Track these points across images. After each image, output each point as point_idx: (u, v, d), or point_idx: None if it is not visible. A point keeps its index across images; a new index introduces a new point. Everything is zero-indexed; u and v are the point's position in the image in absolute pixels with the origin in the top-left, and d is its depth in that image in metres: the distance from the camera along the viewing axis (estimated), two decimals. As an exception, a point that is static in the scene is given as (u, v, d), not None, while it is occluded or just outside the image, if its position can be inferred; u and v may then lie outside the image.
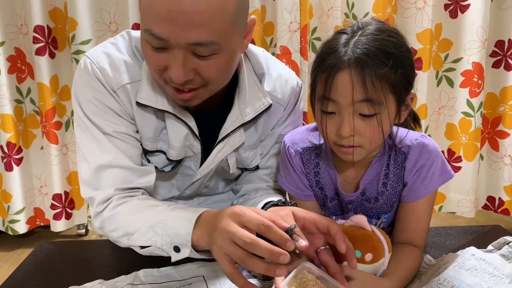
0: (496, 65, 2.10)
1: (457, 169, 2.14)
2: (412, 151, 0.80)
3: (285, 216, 0.68)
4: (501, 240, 0.82)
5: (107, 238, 0.85)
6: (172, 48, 0.71)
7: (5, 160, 2.10)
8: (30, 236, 2.31)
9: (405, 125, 0.86)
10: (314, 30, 2.11)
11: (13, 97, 2.08)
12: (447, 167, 0.82)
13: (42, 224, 2.26)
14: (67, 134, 2.16)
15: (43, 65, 2.00)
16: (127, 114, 0.87)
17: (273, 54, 2.08)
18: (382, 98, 0.70)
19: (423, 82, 2.07)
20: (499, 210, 2.22)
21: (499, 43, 2.08)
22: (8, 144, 2.08)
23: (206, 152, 0.92)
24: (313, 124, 0.88)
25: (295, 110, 0.98)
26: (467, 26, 2.01)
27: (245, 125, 0.90)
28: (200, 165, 0.94)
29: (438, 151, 0.81)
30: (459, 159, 2.16)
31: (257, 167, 0.99)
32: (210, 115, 0.91)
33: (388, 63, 0.69)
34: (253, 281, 0.75)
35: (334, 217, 0.88)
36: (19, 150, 2.13)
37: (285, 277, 0.61)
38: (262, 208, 0.83)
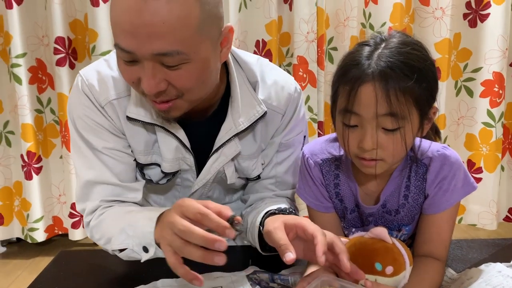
0: (517, 74, 2.08)
1: (477, 180, 2.11)
2: (433, 163, 0.79)
3: (274, 229, 0.68)
4: (526, 254, 0.80)
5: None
6: (141, 61, 0.72)
7: (25, 169, 2.14)
8: (48, 244, 2.33)
9: (425, 137, 0.85)
10: (331, 40, 2.11)
11: (34, 107, 2.12)
12: (469, 178, 0.81)
13: (60, 232, 2.29)
14: (85, 144, 2.19)
15: (63, 76, 2.04)
16: (116, 129, 0.89)
17: (289, 64, 2.09)
18: (406, 112, 0.69)
19: (441, 92, 2.05)
20: (521, 222, 2.17)
21: (520, 53, 2.05)
22: (28, 153, 2.11)
23: (202, 163, 0.92)
24: (333, 135, 0.87)
25: (295, 117, 0.95)
26: (487, 35, 1.99)
27: (240, 135, 0.90)
28: (197, 177, 0.94)
29: (460, 162, 0.80)
30: (479, 170, 2.12)
31: (258, 177, 0.98)
32: (203, 126, 0.90)
33: (413, 77, 0.68)
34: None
35: (354, 229, 0.87)
36: (39, 159, 2.16)
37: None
38: (262, 217, 0.83)
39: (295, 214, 0.89)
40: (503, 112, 2.06)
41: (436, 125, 0.89)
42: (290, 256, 0.62)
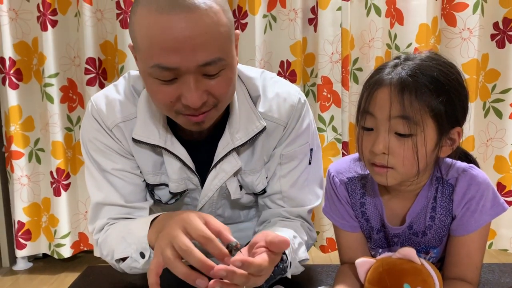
0: (548, 95, 2.03)
1: (508, 203, 2.04)
2: (459, 183, 0.77)
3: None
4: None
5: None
6: (182, 76, 0.73)
7: (54, 185, 2.18)
8: (73, 260, 2.36)
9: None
10: (356, 60, 2.11)
11: (64, 125, 2.17)
12: (499, 199, 0.79)
13: (85, 248, 2.31)
14: (112, 162, 2.23)
15: (93, 95, 2.09)
16: (125, 151, 0.91)
17: (313, 84, 2.10)
18: (419, 119, 0.69)
19: (469, 113, 2.01)
20: (554, 248, 2.09)
21: (551, 73, 2.01)
22: (58, 170, 2.17)
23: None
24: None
25: (297, 128, 0.93)
26: (516, 56, 1.96)
27: (238, 150, 0.90)
28: None
29: (488, 182, 0.78)
30: (510, 193, 2.06)
31: (264, 191, 0.97)
32: (204, 145, 0.91)
33: (431, 87, 0.69)
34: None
35: (380, 250, 0.86)
36: (67, 176, 2.21)
37: None
38: None
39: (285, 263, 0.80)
40: (534, 133, 2.01)
41: (469, 155, 0.87)
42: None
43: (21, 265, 2.33)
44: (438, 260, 0.86)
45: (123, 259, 0.82)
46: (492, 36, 2.01)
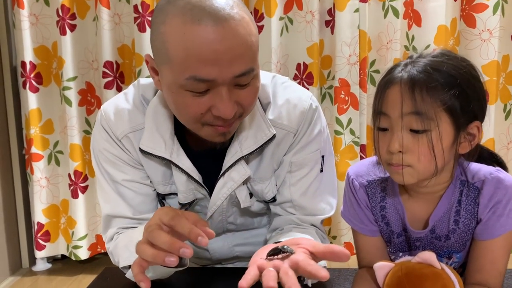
0: None
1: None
2: (486, 186, 0.76)
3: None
4: None
5: None
6: (215, 87, 0.73)
7: (71, 188, 2.21)
8: (91, 262, 2.38)
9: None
10: (373, 62, 2.09)
11: (82, 128, 2.20)
12: None
13: (102, 251, 2.33)
14: (129, 164, 2.25)
15: (110, 98, 2.11)
16: (134, 161, 0.91)
17: (330, 86, 2.08)
18: (432, 114, 0.68)
19: (490, 115, 1.97)
20: None
21: None
22: (75, 172, 2.19)
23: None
24: None
25: (307, 134, 0.91)
26: (538, 57, 1.92)
27: (247, 158, 0.88)
28: None
29: None
30: (532, 198, 2.01)
31: (274, 199, 0.95)
32: (212, 154, 0.89)
33: (441, 81, 0.69)
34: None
35: (401, 254, 0.84)
36: (85, 179, 2.23)
37: None
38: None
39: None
40: (557, 136, 1.96)
41: (498, 157, 0.85)
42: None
43: (40, 266, 2.36)
44: (461, 265, 0.84)
45: (129, 267, 0.81)
46: (513, 37, 1.97)
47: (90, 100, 2.22)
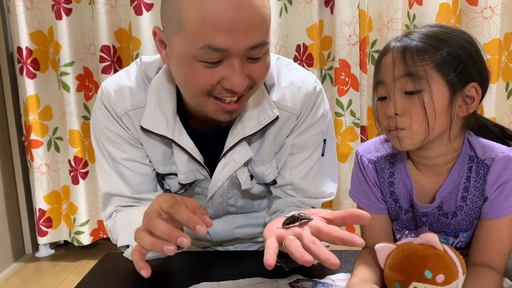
0: None
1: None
2: (495, 164, 0.75)
3: (269, 237, 0.62)
4: None
5: None
6: (228, 58, 0.71)
7: (72, 174, 2.21)
8: (93, 247, 2.40)
9: (502, 143, 0.80)
10: (374, 42, 2.06)
11: (81, 113, 2.19)
12: None
13: (104, 236, 2.35)
14: (129, 149, 2.24)
15: (108, 83, 2.10)
16: (134, 140, 0.90)
17: (331, 68, 2.06)
18: (422, 72, 0.70)
19: (491, 94, 1.96)
20: None
21: None
22: (75, 158, 2.19)
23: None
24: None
25: (310, 117, 0.90)
26: (541, 34, 1.89)
27: (249, 139, 0.87)
28: None
29: None
30: (533, 177, 2.01)
31: (274, 181, 0.94)
32: (214, 134, 0.89)
33: (431, 42, 0.71)
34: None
35: (407, 231, 0.84)
36: (85, 164, 2.23)
37: None
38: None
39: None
40: (559, 115, 1.95)
41: (508, 131, 0.84)
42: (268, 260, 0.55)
43: (43, 252, 2.37)
44: (467, 245, 0.83)
45: (127, 246, 0.82)
46: (516, 14, 1.94)
47: (88, 86, 2.20)
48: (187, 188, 0.94)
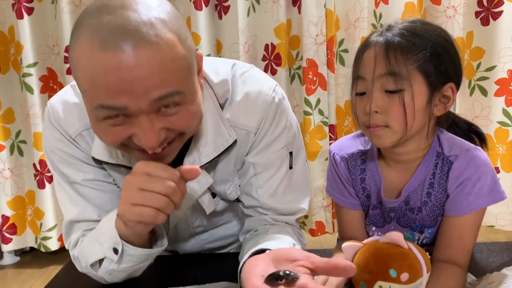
0: (533, 72, 2.02)
1: (494, 181, 2.06)
2: (458, 161, 0.76)
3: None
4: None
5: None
6: (133, 116, 0.64)
7: (37, 178, 2.14)
8: (61, 253, 2.33)
9: (471, 141, 0.82)
10: (341, 42, 2.08)
11: (45, 116, 2.12)
12: (499, 187, 0.76)
13: (73, 240, 2.28)
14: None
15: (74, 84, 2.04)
16: (92, 159, 0.82)
17: (299, 67, 2.07)
18: (405, 72, 0.70)
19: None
20: (541, 224, 2.11)
21: (536, 50, 2.00)
22: (41, 162, 2.12)
23: None
24: (359, 132, 0.87)
25: (271, 132, 0.83)
26: (500, 33, 1.94)
27: (206, 166, 0.81)
28: None
29: (489, 166, 0.76)
30: (496, 170, 2.07)
31: (238, 200, 0.89)
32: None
33: (414, 41, 0.71)
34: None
35: (374, 228, 0.85)
36: (51, 168, 2.16)
37: None
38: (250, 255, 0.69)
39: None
40: (519, 111, 2.01)
41: (481, 132, 0.86)
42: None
43: (8, 259, 2.30)
44: (432, 242, 0.85)
45: (100, 263, 0.77)
46: (477, 14, 1.99)
47: (52, 87, 2.14)
48: None
